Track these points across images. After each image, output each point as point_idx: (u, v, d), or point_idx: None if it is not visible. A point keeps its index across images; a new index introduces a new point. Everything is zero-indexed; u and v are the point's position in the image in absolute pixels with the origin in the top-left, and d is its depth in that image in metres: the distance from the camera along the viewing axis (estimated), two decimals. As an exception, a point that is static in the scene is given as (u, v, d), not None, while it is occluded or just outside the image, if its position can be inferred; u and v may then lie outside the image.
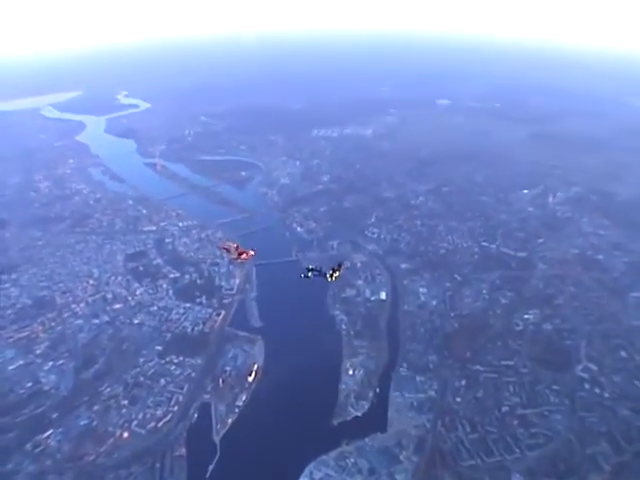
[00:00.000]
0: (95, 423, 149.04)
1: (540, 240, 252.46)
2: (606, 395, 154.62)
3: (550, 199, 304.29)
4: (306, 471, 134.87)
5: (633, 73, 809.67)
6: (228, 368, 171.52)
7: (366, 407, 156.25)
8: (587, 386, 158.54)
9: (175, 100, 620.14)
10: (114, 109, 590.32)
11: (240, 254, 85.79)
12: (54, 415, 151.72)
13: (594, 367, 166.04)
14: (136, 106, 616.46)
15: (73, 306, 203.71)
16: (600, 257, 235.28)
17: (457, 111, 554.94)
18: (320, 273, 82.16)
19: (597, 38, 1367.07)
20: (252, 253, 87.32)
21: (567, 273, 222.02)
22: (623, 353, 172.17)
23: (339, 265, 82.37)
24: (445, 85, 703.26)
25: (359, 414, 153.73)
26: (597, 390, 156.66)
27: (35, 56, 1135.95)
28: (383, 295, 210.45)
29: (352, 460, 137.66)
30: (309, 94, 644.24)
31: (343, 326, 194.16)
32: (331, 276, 80.00)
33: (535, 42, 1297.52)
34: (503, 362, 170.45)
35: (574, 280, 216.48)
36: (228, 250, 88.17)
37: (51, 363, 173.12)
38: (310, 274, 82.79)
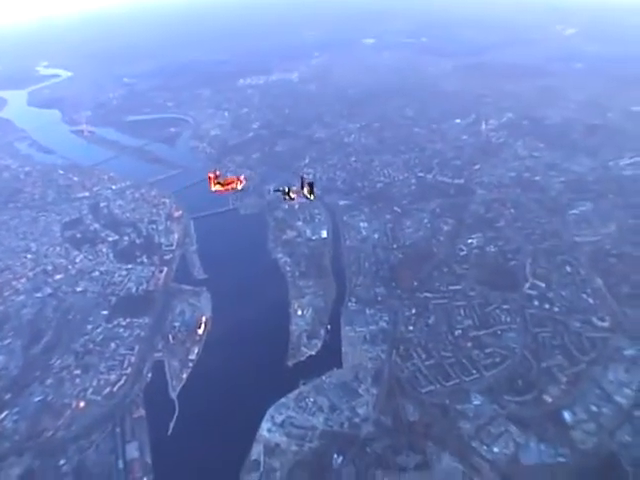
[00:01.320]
0: (50, 397, 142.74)
1: (476, 166, 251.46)
2: (556, 310, 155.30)
3: (483, 126, 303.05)
4: (267, 416, 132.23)
5: (560, 3, 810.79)
6: (177, 324, 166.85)
7: (319, 345, 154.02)
8: (536, 303, 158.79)
9: (96, 66, 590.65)
10: (35, 81, 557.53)
11: (228, 184, 69.07)
12: (7, 396, 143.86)
13: (541, 284, 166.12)
14: (57, 76, 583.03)
15: (14, 283, 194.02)
16: (537, 178, 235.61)
17: (383, 49, 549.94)
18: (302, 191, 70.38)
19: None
20: (242, 179, 69.40)
21: (506, 196, 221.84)
22: (568, 268, 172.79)
23: (310, 184, 69.57)
24: (369, 25, 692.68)
25: (313, 353, 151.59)
26: (547, 306, 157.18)
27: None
28: (324, 233, 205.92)
29: (312, 399, 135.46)
30: (230, 47, 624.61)
31: (287, 268, 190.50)
32: (310, 192, 69.50)
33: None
34: (451, 287, 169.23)
35: (513, 202, 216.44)
36: (213, 179, 68.36)
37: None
38: (291, 194, 71.64)
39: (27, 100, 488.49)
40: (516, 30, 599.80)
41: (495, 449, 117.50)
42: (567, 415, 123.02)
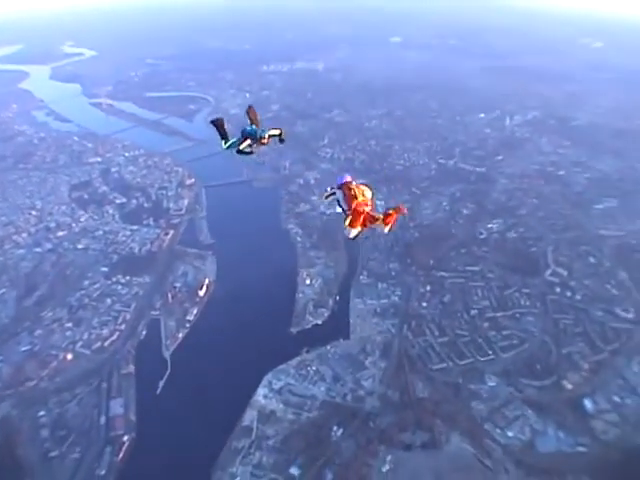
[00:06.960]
0: (37, 348, 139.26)
1: (499, 157, 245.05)
2: (578, 298, 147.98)
3: (507, 122, 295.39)
4: (264, 381, 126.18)
5: (586, 18, 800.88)
6: (178, 284, 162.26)
7: (326, 315, 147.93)
8: (558, 290, 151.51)
9: (121, 47, 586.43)
10: (59, 58, 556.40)
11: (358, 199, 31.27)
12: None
13: (563, 272, 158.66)
14: (81, 54, 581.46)
15: (15, 237, 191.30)
16: (561, 173, 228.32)
17: (410, 47, 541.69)
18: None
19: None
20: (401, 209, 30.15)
21: (529, 187, 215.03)
22: (592, 259, 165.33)
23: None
24: (396, 25, 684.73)
25: (319, 322, 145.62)
26: (568, 293, 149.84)
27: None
28: (339, 208, 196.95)
29: (314, 368, 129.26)
30: (255, 36, 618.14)
31: (298, 239, 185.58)
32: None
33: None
34: (469, 268, 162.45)
35: (536, 193, 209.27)
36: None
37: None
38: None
39: (49, 74, 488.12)
40: (543, 40, 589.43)
41: (510, 433, 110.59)
42: (588, 403, 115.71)
